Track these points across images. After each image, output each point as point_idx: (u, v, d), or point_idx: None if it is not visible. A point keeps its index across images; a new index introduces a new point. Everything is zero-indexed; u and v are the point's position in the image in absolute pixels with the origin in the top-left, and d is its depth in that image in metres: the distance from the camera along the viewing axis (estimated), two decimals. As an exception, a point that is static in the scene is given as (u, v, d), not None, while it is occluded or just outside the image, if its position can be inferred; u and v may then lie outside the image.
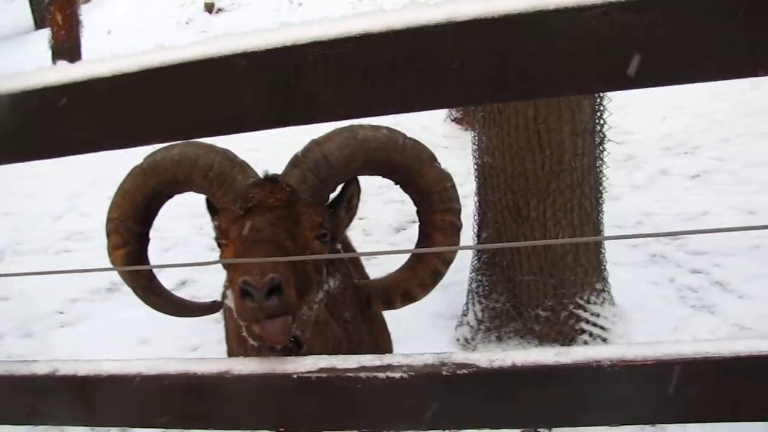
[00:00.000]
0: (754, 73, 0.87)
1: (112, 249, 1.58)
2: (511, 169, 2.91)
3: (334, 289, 1.55)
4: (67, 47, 9.69)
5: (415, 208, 1.58)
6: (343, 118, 1.03)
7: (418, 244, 1.60)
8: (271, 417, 1.22)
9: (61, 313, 4.18)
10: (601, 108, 2.95)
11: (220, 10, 14.03)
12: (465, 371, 1.11)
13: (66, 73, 1.10)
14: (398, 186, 1.58)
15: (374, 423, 1.20)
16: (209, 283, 4.32)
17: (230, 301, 1.43)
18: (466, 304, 3.27)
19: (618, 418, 1.11)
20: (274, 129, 1.06)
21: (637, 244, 4.13)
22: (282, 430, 1.42)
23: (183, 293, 4.24)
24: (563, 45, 0.92)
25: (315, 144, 1.46)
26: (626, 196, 4.96)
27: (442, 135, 7.53)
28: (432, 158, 1.53)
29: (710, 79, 0.90)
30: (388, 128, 1.50)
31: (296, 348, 1.38)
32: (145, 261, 1.63)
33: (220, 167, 1.45)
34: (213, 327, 3.61)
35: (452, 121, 7.93)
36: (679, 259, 3.93)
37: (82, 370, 1.31)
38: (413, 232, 4.75)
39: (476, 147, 3.07)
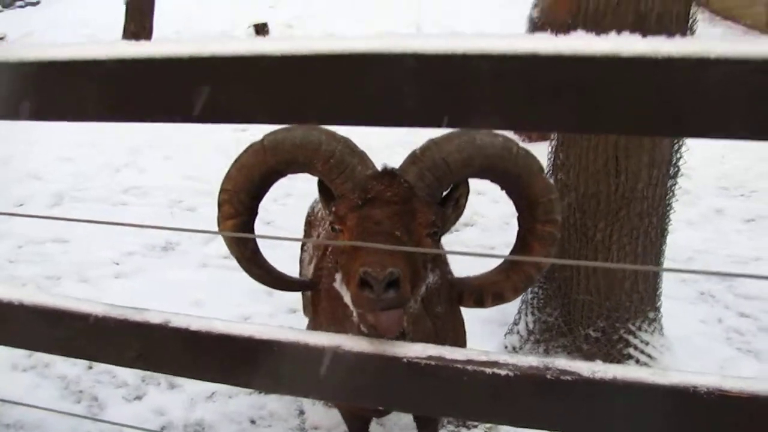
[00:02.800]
0: None
1: (222, 218, 1.66)
2: (584, 189, 2.95)
3: (432, 284, 1.60)
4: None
5: (516, 214, 1.65)
6: (498, 128, 1.10)
7: (515, 250, 1.67)
8: (375, 395, 1.30)
9: (117, 264, 4.32)
10: (680, 143, 2.98)
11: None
12: (568, 378, 1.18)
13: (235, 46, 1.18)
14: (504, 191, 1.65)
15: (475, 414, 1.27)
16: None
17: (338, 285, 1.51)
18: (519, 313, 3.33)
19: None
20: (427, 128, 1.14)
21: (687, 279, 4.14)
22: (381, 408, 1.50)
23: (231, 262, 4.37)
24: (716, 95, 0.97)
25: (434, 144, 1.53)
26: (679, 231, 4.94)
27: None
28: (541, 169, 1.60)
29: None
30: (504, 136, 1.56)
31: (401, 338, 1.45)
32: (252, 233, 1.71)
33: (341, 155, 1.53)
34: (264, 299, 3.73)
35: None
36: (728, 300, 3.94)
37: (195, 324, 1.40)
38: (465, 235, 4.83)
39: (551, 163, 3.11)
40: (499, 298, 1.66)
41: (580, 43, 1.04)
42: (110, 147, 6.63)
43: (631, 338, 3.05)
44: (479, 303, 1.69)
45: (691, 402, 1.16)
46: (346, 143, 1.55)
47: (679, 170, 3.04)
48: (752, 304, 3.90)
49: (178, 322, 1.40)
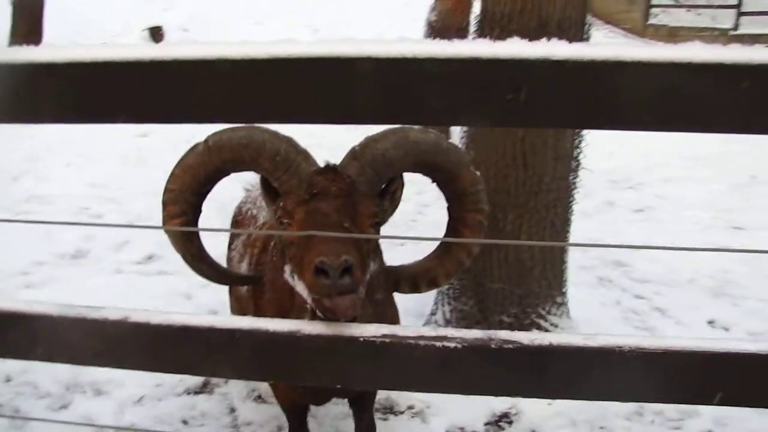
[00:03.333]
0: None
1: (168, 217, 1.71)
2: (495, 183, 3.14)
3: (373, 272, 1.70)
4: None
5: (446, 205, 1.79)
6: (446, 125, 1.22)
7: (449, 236, 1.80)
8: (335, 375, 1.39)
9: (26, 273, 4.18)
10: (580, 138, 3.23)
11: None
12: (510, 346, 1.32)
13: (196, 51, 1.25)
14: (434, 184, 1.78)
15: (428, 386, 1.39)
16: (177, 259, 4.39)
17: (287, 276, 1.60)
18: (435, 304, 3.49)
19: (630, 396, 1.35)
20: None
21: (586, 266, 4.45)
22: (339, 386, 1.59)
23: (151, 267, 4.33)
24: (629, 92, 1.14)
25: (372, 141, 1.64)
26: (576, 222, 5.28)
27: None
28: (469, 163, 1.73)
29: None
30: (435, 133, 1.69)
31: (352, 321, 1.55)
32: (196, 233, 1.76)
33: (287, 153, 1.61)
34: (183, 302, 3.73)
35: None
36: (624, 284, 4.27)
37: (154, 319, 1.45)
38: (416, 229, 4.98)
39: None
40: (432, 283, 1.80)
41: (516, 47, 1.19)
42: (4, 154, 6.34)
43: (541, 322, 3.28)
44: (414, 288, 1.81)
45: (616, 360, 1.32)
46: (290, 141, 1.63)
47: (579, 164, 3.29)
48: (645, 286, 4.25)
49: (137, 317, 1.44)
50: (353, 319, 1.51)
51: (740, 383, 1.33)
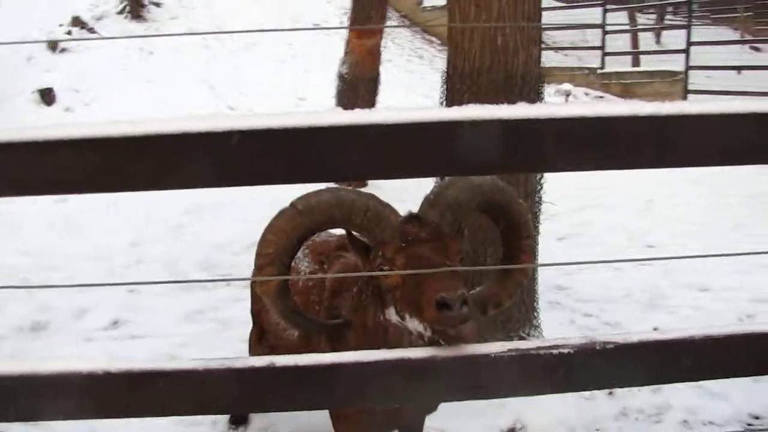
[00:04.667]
0: None
1: (266, 281, 1.82)
2: (471, 222, 3.46)
3: None
4: None
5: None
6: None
7: (506, 264, 2.06)
8: (471, 390, 1.61)
9: (-13, 351, 4.05)
10: (542, 178, 3.63)
11: (64, 50, 13.50)
12: (611, 345, 1.61)
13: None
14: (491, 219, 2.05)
15: (549, 389, 1.65)
16: (145, 321, 4.41)
17: (393, 317, 1.83)
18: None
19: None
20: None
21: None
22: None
23: (120, 332, 4.30)
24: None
25: (443, 188, 1.90)
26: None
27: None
28: (516, 196, 2.02)
29: None
30: (492, 176, 1.97)
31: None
32: (288, 289, 1.89)
33: (375, 208, 1.82)
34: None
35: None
36: (572, 305, 4.69)
37: (301, 361, 1.61)
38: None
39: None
40: (498, 305, 2.04)
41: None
42: None
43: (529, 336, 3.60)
44: (483, 312, 2.05)
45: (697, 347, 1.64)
46: (374, 197, 1.85)
47: (541, 199, 3.68)
48: (589, 305, 4.69)
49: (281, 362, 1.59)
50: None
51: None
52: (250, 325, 4.11)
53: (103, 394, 1.55)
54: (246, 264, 5.47)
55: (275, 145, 1.41)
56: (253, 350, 2.98)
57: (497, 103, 2.88)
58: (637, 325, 4.30)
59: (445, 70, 3.54)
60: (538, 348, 1.60)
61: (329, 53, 11.77)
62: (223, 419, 3.22)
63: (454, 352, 1.59)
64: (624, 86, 14.49)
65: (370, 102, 7.96)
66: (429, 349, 1.61)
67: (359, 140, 1.42)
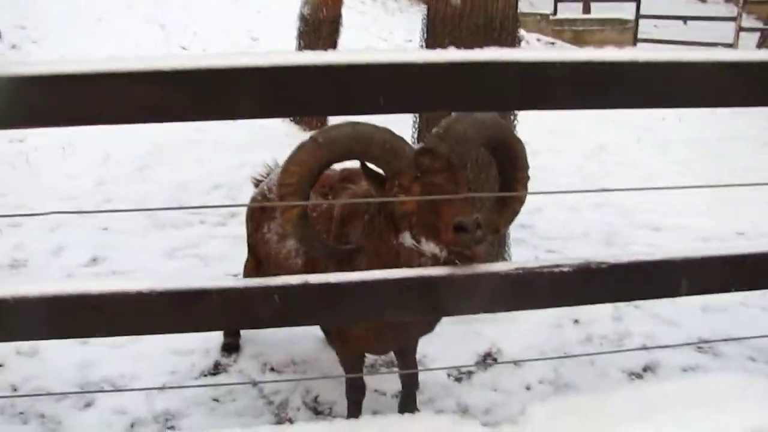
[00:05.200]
0: None
1: (288, 208, 1.95)
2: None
3: None
4: None
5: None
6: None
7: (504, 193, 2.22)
8: (485, 304, 1.81)
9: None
10: (515, 116, 3.81)
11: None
12: (605, 265, 1.82)
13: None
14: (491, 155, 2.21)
15: (551, 303, 1.86)
16: (123, 258, 4.48)
17: (408, 240, 1.97)
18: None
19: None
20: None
21: (500, 230, 5.09)
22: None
23: (95, 270, 4.36)
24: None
25: (452, 123, 2.05)
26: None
27: (284, 134, 8.00)
28: (513, 131, 2.18)
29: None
30: (493, 113, 2.12)
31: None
32: (308, 217, 2.04)
33: (392, 140, 1.97)
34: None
35: (291, 121, 8.37)
36: (535, 243, 4.96)
37: (332, 278, 1.78)
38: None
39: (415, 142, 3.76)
40: (496, 232, 2.22)
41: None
42: None
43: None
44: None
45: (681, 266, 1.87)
46: (390, 131, 1.98)
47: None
48: (551, 242, 4.97)
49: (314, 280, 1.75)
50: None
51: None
52: (231, 260, 4.27)
53: (153, 312, 1.69)
54: (216, 203, 5.60)
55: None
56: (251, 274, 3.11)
57: (476, 47, 3.09)
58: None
59: (426, 14, 3.65)
60: (542, 267, 1.81)
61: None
62: (216, 347, 3.38)
63: (470, 270, 1.78)
64: (575, 33, 14.74)
65: (331, 43, 7.95)
66: (447, 267, 1.79)
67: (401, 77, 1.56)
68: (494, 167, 2.26)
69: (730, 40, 13.67)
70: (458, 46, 3.47)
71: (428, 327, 2.46)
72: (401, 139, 2.02)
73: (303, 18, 8.05)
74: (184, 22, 12.50)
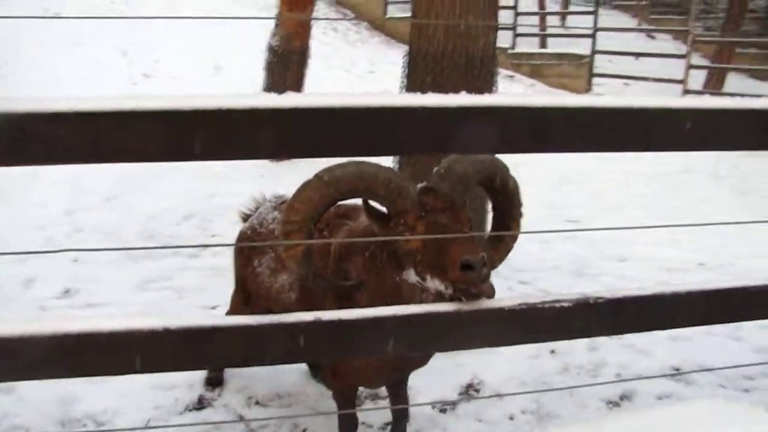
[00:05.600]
0: None
1: (291, 246, 1.97)
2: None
3: None
4: None
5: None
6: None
7: (498, 231, 2.28)
8: (488, 339, 1.87)
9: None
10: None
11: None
12: (602, 300, 1.90)
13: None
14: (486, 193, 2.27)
15: (552, 336, 1.92)
16: (97, 290, 4.42)
17: (412, 278, 2.03)
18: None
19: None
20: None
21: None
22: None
23: (68, 302, 4.30)
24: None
25: (452, 163, 2.10)
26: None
27: (253, 165, 7.97)
28: (509, 171, 2.21)
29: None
30: (490, 155, 2.17)
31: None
32: (312, 254, 2.07)
33: (397, 180, 2.01)
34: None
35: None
36: (507, 274, 5.05)
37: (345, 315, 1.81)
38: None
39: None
40: (492, 267, 2.18)
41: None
42: None
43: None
44: None
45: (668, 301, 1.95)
46: (393, 171, 2.05)
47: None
48: (523, 274, 5.07)
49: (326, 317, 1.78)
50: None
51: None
52: (207, 293, 4.26)
53: (164, 350, 1.69)
54: (188, 234, 5.57)
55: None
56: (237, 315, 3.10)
57: (458, 84, 3.23)
58: (568, 292, 4.70)
59: (407, 52, 3.75)
60: (543, 302, 1.87)
61: (251, 23, 11.71)
62: (199, 381, 3.35)
63: (476, 306, 1.84)
64: (533, 67, 15.09)
65: (299, 74, 8.05)
66: (454, 303, 1.85)
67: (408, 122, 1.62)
68: (487, 205, 2.33)
69: (680, 77, 14.18)
70: (440, 83, 3.62)
71: (424, 361, 2.51)
72: (404, 177, 2.08)
73: (271, 49, 8.11)
74: (147, 50, 12.45)
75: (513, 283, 4.89)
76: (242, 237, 3.03)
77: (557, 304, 1.87)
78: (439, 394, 3.35)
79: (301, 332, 1.74)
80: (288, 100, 1.58)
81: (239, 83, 10.66)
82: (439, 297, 1.94)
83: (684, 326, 2.10)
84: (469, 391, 3.44)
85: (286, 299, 2.62)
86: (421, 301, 2.04)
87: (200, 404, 3.24)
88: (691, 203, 7.05)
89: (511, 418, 3.19)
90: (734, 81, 16.10)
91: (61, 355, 1.68)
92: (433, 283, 1.94)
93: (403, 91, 3.81)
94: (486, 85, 3.66)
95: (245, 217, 3.21)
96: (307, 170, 2.00)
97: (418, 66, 3.65)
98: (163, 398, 3.24)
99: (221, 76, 11.83)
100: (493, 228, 2.33)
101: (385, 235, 2.09)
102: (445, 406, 3.27)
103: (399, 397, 2.80)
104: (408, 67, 3.75)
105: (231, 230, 5.51)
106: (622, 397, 3.37)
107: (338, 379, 2.56)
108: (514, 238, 2.31)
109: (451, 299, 1.90)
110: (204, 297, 4.27)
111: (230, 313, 3.23)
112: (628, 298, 1.94)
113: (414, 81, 3.67)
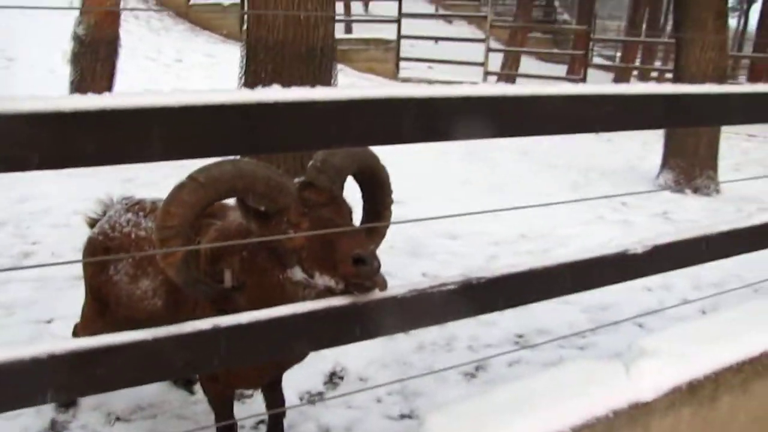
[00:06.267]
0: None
1: (172, 253, 1.84)
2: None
3: None
4: None
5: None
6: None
7: (372, 221, 2.26)
8: (371, 329, 1.89)
9: None
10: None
11: None
12: (484, 280, 2.00)
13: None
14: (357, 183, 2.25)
15: (440, 319, 1.98)
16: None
17: (299, 275, 1.96)
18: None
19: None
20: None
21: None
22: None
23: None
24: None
25: (329, 156, 2.06)
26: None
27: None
28: (379, 159, 2.19)
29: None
30: (365, 147, 2.14)
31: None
32: (192, 259, 1.96)
33: (276, 177, 1.93)
34: None
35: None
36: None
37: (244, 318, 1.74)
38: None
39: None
40: None
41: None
42: None
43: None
44: None
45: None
46: (270, 167, 1.96)
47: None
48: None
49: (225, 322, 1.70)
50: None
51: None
52: (40, 306, 3.89)
53: (51, 377, 1.53)
54: (6, 243, 5.03)
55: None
56: (90, 328, 2.84)
57: (299, 73, 3.20)
58: (407, 270, 4.88)
59: (245, 41, 3.65)
60: (432, 287, 1.93)
61: (47, 13, 10.75)
62: (48, 405, 3.05)
63: (370, 297, 1.85)
64: (342, 52, 15.25)
65: (110, 66, 7.53)
66: (350, 297, 1.84)
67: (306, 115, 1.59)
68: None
69: (478, 59, 15.15)
70: (281, 72, 3.57)
71: (302, 357, 2.48)
72: (282, 174, 2.01)
73: (77, 38, 7.49)
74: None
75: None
76: (94, 243, 2.77)
77: (444, 288, 1.94)
78: (305, 387, 3.33)
79: (198, 342, 1.65)
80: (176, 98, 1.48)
81: (38, 75, 9.78)
82: (326, 293, 1.91)
83: (557, 296, 2.27)
84: (334, 379, 3.46)
85: (150, 306, 2.46)
86: (304, 299, 2.00)
87: (54, 429, 2.96)
88: (508, 179, 7.57)
89: (379, 401, 3.26)
90: (524, 62, 17.51)
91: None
92: (323, 280, 1.91)
93: (242, 80, 3.70)
94: (326, 74, 3.67)
95: (92, 222, 2.93)
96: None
97: (258, 55, 3.57)
98: (9, 429, 2.92)
99: (16, 66, 10.74)
100: (365, 217, 2.33)
101: (266, 233, 2.03)
102: (312, 397, 3.27)
103: (275, 394, 2.75)
104: (246, 57, 3.65)
105: (53, 235, 5.11)
106: (477, 368, 3.57)
107: (217, 384, 2.46)
108: (387, 227, 2.33)
109: (341, 294, 1.88)
110: (38, 311, 3.88)
111: (83, 326, 2.96)
112: (506, 276, 2.06)
113: (254, 70, 3.59)
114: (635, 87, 2.04)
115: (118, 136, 1.42)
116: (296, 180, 2.07)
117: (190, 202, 1.85)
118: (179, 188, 1.85)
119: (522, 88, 1.87)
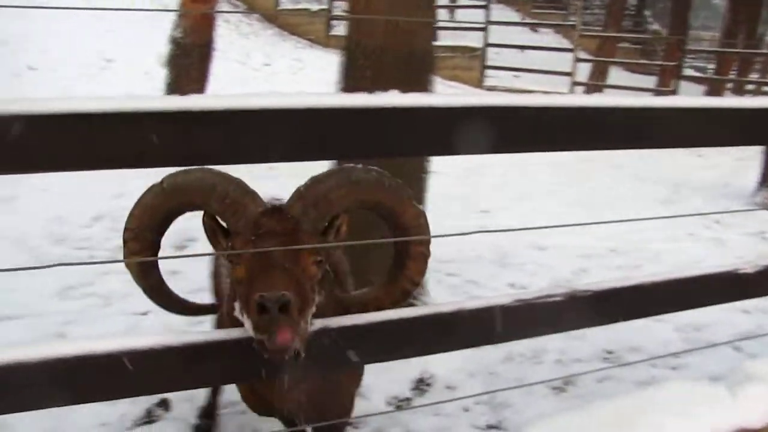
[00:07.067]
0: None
1: (129, 254, 1.76)
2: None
3: (319, 303, 1.72)
4: None
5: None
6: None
7: (391, 268, 1.87)
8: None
9: None
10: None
11: None
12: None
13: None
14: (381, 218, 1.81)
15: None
16: (11, 301, 4.10)
17: (238, 313, 1.66)
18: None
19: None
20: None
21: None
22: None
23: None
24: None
25: (317, 181, 1.71)
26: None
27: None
28: (411, 197, 1.78)
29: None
30: (376, 170, 1.74)
31: (296, 359, 1.60)
32: (156, 267, 1.82)
33: (235, 195, 1.67)
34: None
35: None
36: (436, 266, 5.12)
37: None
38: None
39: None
40: (379, 309, 1.87)
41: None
42: None
43: (417, 303, 3.95)
44: (364, 310, 1.87)
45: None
46: (239, 184, 1.70)
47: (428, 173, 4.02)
48: (450, 265, 5.16)
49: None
50: (297, 355, 1.58)
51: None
52: (134, 298, 4.03)
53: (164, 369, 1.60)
54: (101, 236, 5.28)
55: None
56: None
57: (398, 79, 3.22)
58: (495, 281, 4.85)
59: (346, 46, 3.71)
60: (537, 298, 1.92)
61: (143, 16, 11.24)
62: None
63: (477, 305, 1.85)
64: (426, 60, 15.36)
65: (203, 68, 7.80)
66: (454, 303, 1.85)
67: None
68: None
69: (565, 69, 14.89)
70: (381, 78, 3.60)
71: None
72: (249, 193, 1.71)
73: (174, 41, 7.81)
74: (29, 40, 11.65)
75: (442, 275, 4.97)
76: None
77: (549, 299, 1.92)
78: (392, 393, 3.36)
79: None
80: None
81: (133, 77, 10.22)
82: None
83: (663, 313, 2.22)
84: (421, 385, 3.47)
85: None
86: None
87: (149, 418, 3.09)
88: (596, 191, 7.41)
89: (467, 410, 3.25)
90: (612, 73, 17.12)
91: (52, 382, 1.56)
92: (247, 323, 1.59)
93: (341, 85, 3.76)
94: (424, 81, 3.69)
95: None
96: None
97: (357, 61, 3.61)
98: (107, 415, 3.06)
99: (113, 68, 11.25)
100: (391, 265, 1.88)
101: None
102: (399, 402, 3.29)
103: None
104: (347, 62, 3.70)
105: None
106: (566, 383, 3.51)
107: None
108: (413, 282, 1.89)
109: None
110: (134, 303, 4.04)
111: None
112: (611, 290, 2.02)
113: (353, 76, 3.63)
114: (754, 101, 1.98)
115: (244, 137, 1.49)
116: (272, 203, 1.78)
117: (152, 206, 1.73)
118: (147, 190, 1.75)
119: (638, 100, 1.83)
